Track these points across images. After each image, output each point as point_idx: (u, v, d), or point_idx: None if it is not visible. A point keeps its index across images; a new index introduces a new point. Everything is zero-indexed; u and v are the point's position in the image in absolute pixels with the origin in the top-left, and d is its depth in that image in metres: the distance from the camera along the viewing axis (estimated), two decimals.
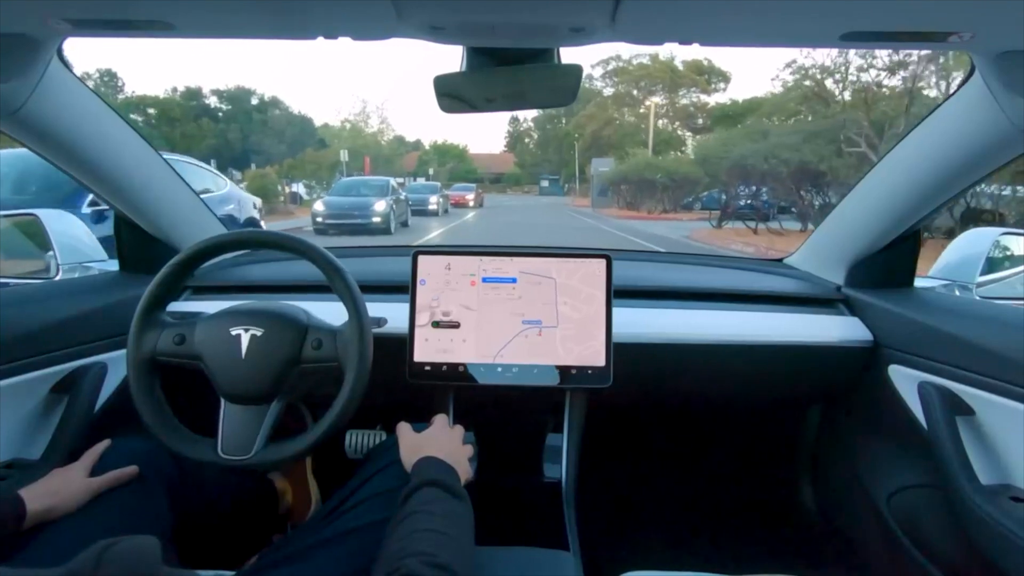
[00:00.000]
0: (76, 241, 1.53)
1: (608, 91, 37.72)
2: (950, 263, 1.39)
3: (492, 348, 1.04)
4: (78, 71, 0.89)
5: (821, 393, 1.33)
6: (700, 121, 35.81)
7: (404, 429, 0.85)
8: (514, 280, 1.06)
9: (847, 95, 14.30)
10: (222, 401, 0.85)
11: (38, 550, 0.70)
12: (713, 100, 36.41)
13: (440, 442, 0.82)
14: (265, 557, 0.80)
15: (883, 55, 12.33)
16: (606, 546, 1.11)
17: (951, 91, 0.89)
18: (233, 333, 0.84)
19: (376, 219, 11.03)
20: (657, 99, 35.85)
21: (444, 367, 1.03)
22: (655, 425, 1.54)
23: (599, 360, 1.03)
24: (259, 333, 0.84)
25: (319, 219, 11.13)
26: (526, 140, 50.81)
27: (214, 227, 1.30)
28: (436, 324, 1.04)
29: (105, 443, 0.85)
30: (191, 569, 0.45)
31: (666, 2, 0.58)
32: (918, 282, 1.20)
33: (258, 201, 7.76)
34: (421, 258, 1.05)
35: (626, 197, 21.40)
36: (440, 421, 0.88)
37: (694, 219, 16.66)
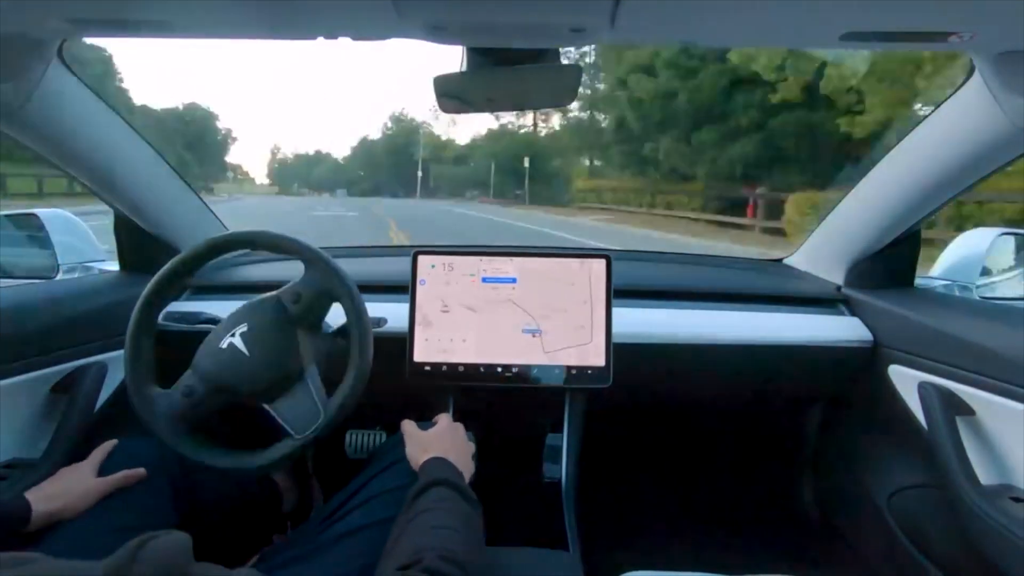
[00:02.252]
0: (76, 241, 1.53)
1: None
2: (950, 263, 1.39)
3: (492, 348, 1.04)
4: None
5: (821, 393, 1.33)
6: None
7: (410, 427, 0.85)
8: (514, 280, 1.06)
9: None
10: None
11: (47, 550, 0.70)
12: None
13: (445, 441, 0.82)
14: (269, 556, 0.80)
15: None
16: (606, 546, 1.11)
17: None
18: (225, 344, 0.83)
19: None
20: None
21: (444, 367, 1.03)
22: (655, 425, 1.54)
23: (599, 360, 1.03)
24: (245, 328, 0.83)
25: None
26: None
27: (214, 227, 1.30)
28: (436, 323, 1.04)
29: (112, 443, 0.85)
30: (215, 565, 0.45)
31: (666, 2, 0.59)
32: (918, 282, 1.20)
33: None
34: (421, 258, 1.05)
35: None
36: (445, 420, 0.88)
37: None
